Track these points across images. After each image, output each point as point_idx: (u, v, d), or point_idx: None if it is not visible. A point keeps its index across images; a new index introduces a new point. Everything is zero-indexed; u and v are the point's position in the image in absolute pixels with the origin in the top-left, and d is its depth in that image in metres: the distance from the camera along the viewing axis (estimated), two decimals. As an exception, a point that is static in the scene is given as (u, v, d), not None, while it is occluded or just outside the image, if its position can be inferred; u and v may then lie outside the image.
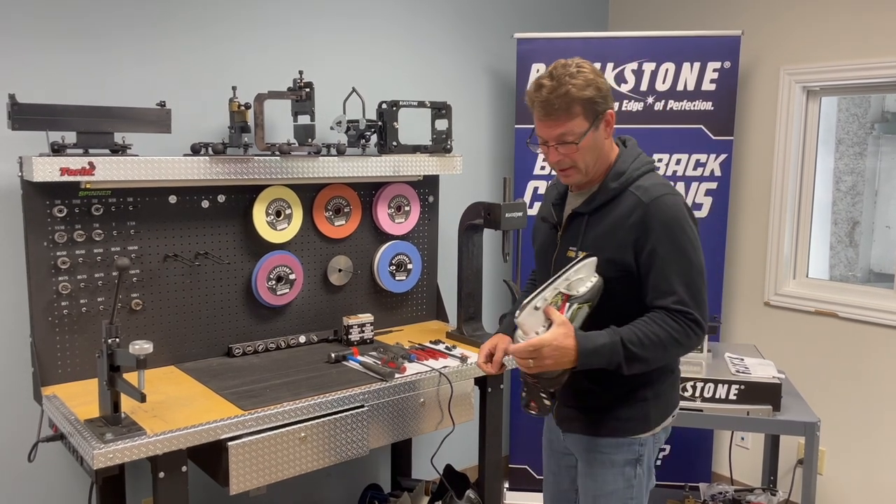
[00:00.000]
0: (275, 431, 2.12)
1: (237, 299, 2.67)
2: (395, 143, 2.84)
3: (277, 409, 2.13)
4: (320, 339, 2.84)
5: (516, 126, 3.38)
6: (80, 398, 2.19)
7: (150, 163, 2.29)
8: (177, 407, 2.12)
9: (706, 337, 1.83)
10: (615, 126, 1.85)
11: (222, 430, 2.03)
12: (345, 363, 2.55)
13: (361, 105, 2.79)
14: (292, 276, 2.74)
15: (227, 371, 2.47)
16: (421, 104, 2.91)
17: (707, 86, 3.25)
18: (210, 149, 2.45)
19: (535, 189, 3.39)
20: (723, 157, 3.29)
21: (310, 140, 2.65)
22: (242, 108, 2.53)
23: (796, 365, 3.29)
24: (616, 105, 3.31)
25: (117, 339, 1.94)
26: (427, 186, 3.11)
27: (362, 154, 2.79)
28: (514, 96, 3.43)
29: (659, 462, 3.53)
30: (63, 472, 2.53)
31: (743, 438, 3.55)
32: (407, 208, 3.03)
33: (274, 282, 2.70)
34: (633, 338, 1.73)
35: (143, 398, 1.85)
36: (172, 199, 2.48)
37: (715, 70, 3.24)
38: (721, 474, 3.56)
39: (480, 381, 2.67)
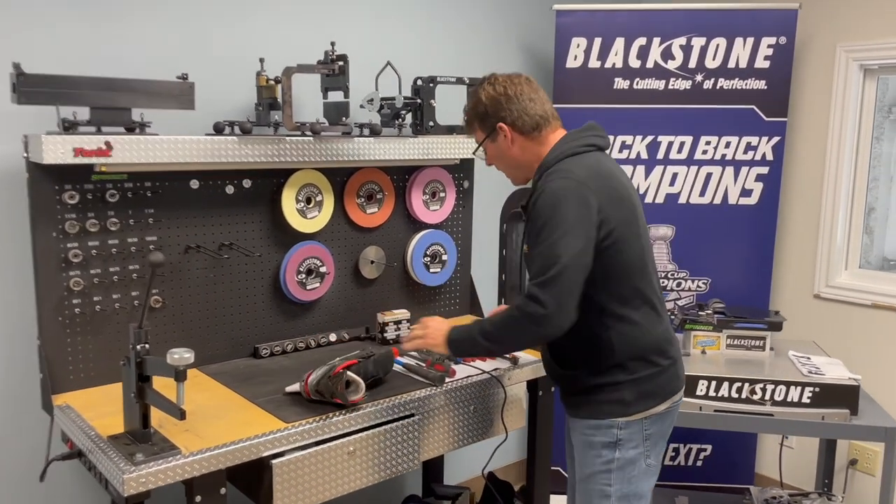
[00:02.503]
0: (321, 446, 1.88)
1: (264, 295, 2.42)
2: (431, 124, 2.60)
3: (323, 420, 1.90)
4: (352, 337, 2.60)
5: (554, 105, 3.13)
6: (97, 408, 1.94)
7: (173, 143, 2.03)
8: (210, 419, 1.88)
9: (552, 317, 1.75)
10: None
11: (264, 446, 1.79)
12: (385, 365, 2.31)
13: (398, 81, 2.54)
14: (323, 269, 2.49)
15: (256, 374, 2.23)
16: (459, 80, 2.66)
17: (760, 63, 3.04)
18: (237, 128, 2.19)
19: (574, 174, 3.16)
20: (776, 139, 3.08)
21: (343, 119, 2.40)
22: (272, 82, 2.28)
23: (851, 363, 3.10)
24: (662, 84, 3.10)
25: (147, 345, 1.69)
26: (462, 171, 2.87)
27: (399, 135, 2.55)
28: (551, 73, 3.19)
29: (700, 462, 3.34)
30: (76, 491, 2.28)
31: (787, 437, 3.37)
32: (442, 194, 2.79)
33: (304, 275, 2.45)
34: (489, 319, 1.90)
35: (182, 415, 1.61)
36: (194, 183, 2.23)
37: (769, 46, 3.02)
38: (765, 476, 3.38)
39: (531, 384, 2.45)
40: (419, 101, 2.56)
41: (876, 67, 3.07)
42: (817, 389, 2.38)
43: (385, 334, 2.53)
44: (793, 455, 3.35)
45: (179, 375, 1.58)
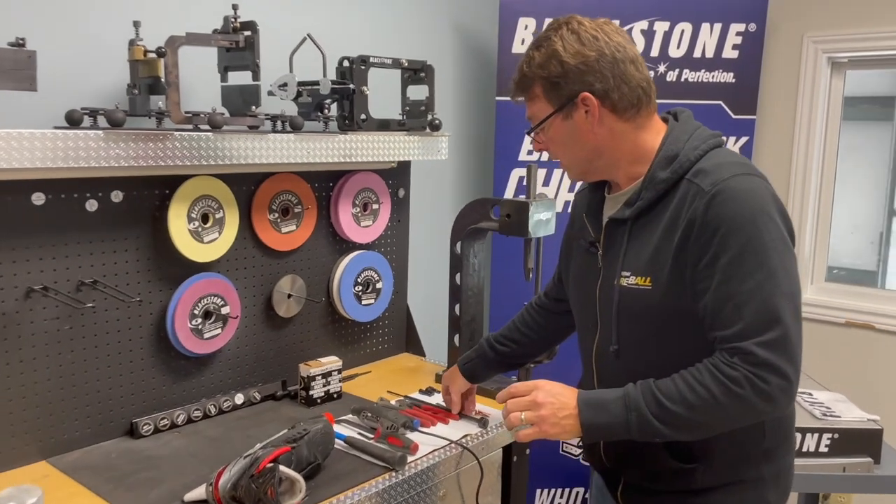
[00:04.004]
0: (247, 589, 1.28)
1: (144, 350, 1.76)
2: (363, 117, 2.03)
3: (247, 547, 1.29)
4: (265, 396, 1.98)
5: (497, 98, 2.65)
6: None
7: (4, 140, 1.36)
8: (69, 561, 1.23)
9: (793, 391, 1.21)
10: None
11: None
12: (319, 440, 1.72)
13: (322, 61, 1.94)
14: (225, 310, 1.86)
15: (136, 467, 1.58)
16: (396, 63, 2.11)
17: (728, 53, 2.67)
18: (103, 117, 1.54)
19: (521, 178, 2.68)
20: (744, 139, 2.73)
21: (253, 108, 1.79)
22: (152, 55, 1.63)
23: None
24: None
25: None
26: (397, 176, 2.31)
27: (325, 131, 1.96)
28: (494, 59, 2.69)
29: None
30: None
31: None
32: (375, 206, 2.22)
33: (200, 320, 1.81)
34: (666, 389, 1.22)
35: None
36: (38, 198, 1.54)
37: (738, 33, 2.66)
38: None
39: (505, 449, 1.93)
40: (352, 87, 1.97)
41: (845, 61, 2.79)
42: (836, 436, 2.01)
43: (311, 392, 1.94)
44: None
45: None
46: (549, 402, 1.29)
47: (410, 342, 2.42)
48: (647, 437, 1.25)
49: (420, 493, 1.61)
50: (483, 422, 1.83)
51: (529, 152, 2.66)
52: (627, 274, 1.33)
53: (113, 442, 1.70)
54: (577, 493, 2.91)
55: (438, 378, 2.12)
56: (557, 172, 2.70)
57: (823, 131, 2.85)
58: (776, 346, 1.17)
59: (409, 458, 1.63)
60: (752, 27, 2.66)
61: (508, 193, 2.67)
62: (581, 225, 1.49)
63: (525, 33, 2.60)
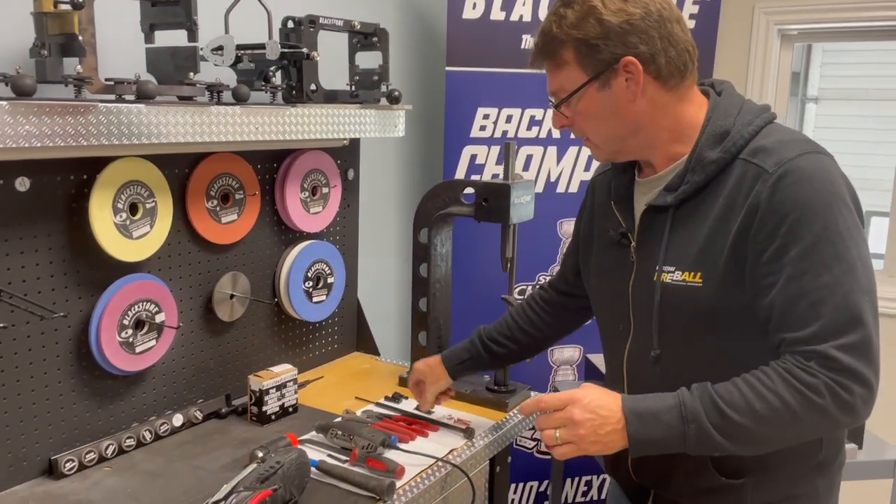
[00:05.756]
0: None
1: (62, 370, 1.44)
2: (313, 88, 1.76)
3: None
4: (207, 415, 1.70)
5: (447, 69, 2.41)
6: None
7: None
8: None
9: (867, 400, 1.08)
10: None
11: None
12: (285, 467, 1.46)
13: (268, 20, 1.65)
14: (160, 318, 1.56)
15: (64, 519, 1.28)
16: (347, 25, 1.84)
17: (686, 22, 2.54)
18: (4, 84, 1.21)
19: (473, 157, 2.47)
20: (700, 115, 2.62)
21: (191, 75, 1.49)
22: (65, 7, 1.30)
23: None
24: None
25: None
26: (347, 155, 2.05)
27: (272, 103, 1.67)
28: (443, 25, 2.45)
29: None
30: None
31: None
32: (325, 190, 1.95)
33: (131, 331, 1.51)
34: (729, 397, 1.06)
35: None
36: (-82, 188, 1.21)
37: (695, 2, 2.53)
38: None
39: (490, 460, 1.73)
40: (305, 51, 1.69)
41: (795, 33, 2.73)
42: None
43: (264, 407, 1.67)
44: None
45: None
46: (588, 420, 1.11)
47: (362, 340, 2.18)
48: (703, 452, 1.09)
49: (411, 525, 1.40)
50: (469, 432, 1.63)
51: (482, 128, 2.45)
52: (671, 269, 1.16)
53: (28, 485, 1.39)
54: (532, 486, 2.77)
55: (403, 381, 1.90)
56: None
57: (773, 105, 2.79)
58: (859, 350, 1.02)
59: (399, 484, 1.40)
60: (709, -4, 2.54)
61: (460, 173, 2.45)
62: (606, 213, 1.30)
63: (477, -3, 2.38)
